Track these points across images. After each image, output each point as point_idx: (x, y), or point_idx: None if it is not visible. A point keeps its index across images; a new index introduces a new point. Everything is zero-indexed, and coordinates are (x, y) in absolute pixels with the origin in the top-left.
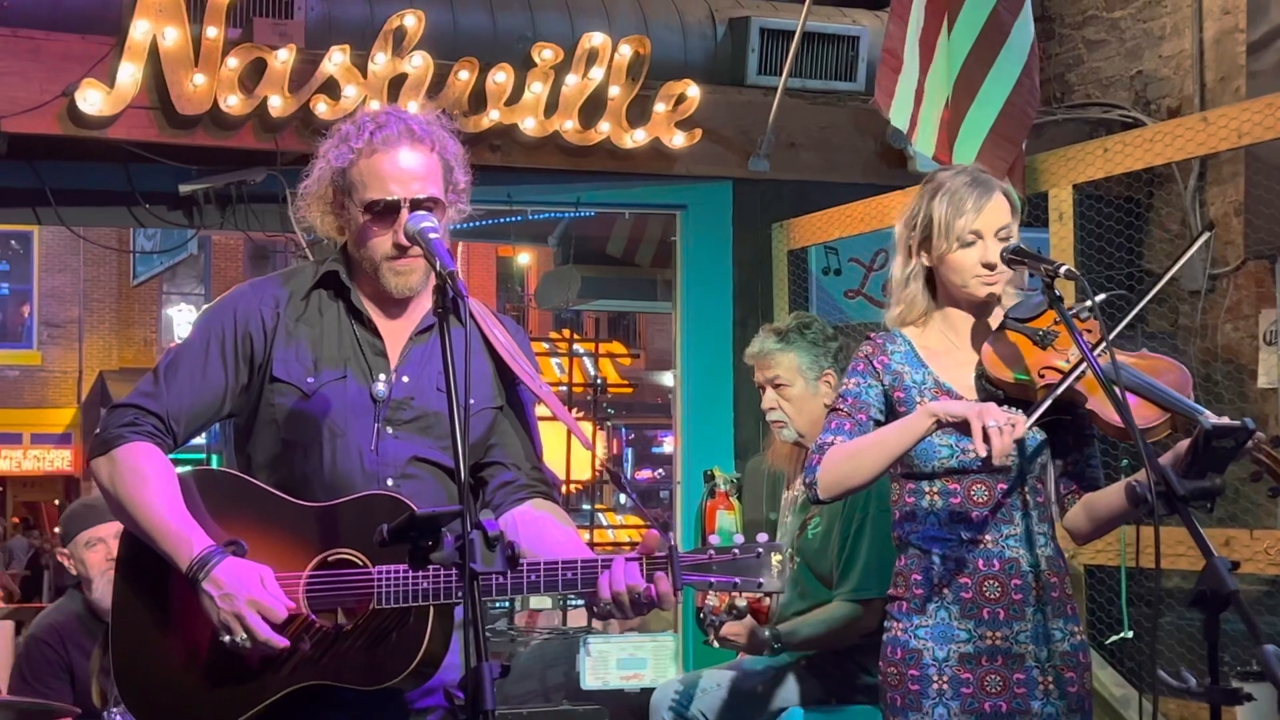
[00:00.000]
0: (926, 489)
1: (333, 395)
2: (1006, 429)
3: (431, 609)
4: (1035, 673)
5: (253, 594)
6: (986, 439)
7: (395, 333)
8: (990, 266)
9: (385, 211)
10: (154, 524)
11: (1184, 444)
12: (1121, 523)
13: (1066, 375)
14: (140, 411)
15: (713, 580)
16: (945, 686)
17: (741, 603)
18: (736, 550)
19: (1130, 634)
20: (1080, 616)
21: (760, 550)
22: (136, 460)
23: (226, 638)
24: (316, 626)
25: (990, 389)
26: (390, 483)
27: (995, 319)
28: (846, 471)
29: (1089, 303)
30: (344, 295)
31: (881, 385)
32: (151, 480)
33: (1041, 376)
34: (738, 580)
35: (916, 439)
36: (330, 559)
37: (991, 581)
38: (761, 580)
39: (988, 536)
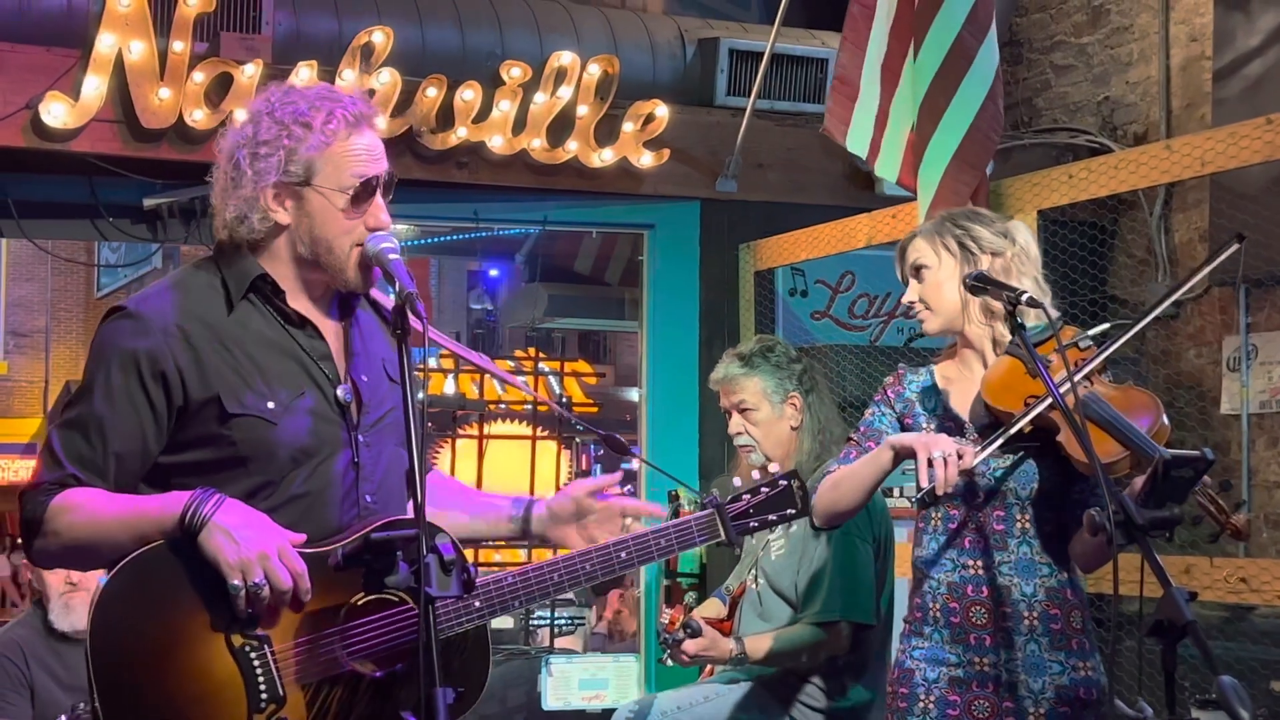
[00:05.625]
0: (932, 514)
1: (298, 415)
2: (951, 459)
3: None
4: (1028, 703)
5: (275, 539)
6: (932, 468)
7: (333, 331)
8: (908, 305)
9: (373, 191)
10: (125, 517)
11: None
12: (1100, 553)
13: (1030, 408)
14: (52, 485)
15: (754, 524)
16: (931, 706)
17: (696, 622)
18: (765, 489)
19: None
20: (1096, 651)
21: (782, 481)
22: (70, 501)
23: (237, 582)
24: (365, 679)
25: (985, 415)
26: (369, 498)
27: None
28: (832, 499)
29: (1091, 332)
30: (273, 301)
31: (895, 412)
32: (97, 498)
33: (1026, 405)
34: (773, 516)
35: (883, 470)
36: (359, 604)
37: (978, 608)
38: (790, 510)
39: (980, 563)
